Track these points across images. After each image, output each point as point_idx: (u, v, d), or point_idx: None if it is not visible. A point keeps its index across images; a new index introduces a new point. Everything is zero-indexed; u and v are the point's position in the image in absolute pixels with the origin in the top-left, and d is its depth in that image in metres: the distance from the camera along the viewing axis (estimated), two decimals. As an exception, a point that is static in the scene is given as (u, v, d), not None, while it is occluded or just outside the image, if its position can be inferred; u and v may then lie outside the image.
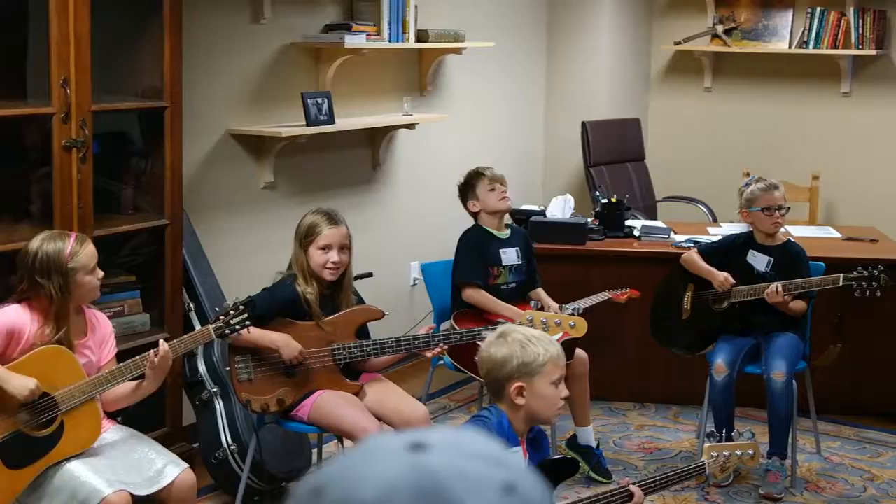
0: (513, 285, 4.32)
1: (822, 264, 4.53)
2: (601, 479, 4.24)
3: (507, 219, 4.54)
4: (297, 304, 3.60)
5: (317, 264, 3.60)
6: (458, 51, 5.60)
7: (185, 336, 3.31)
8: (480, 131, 6.22)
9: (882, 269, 4.12)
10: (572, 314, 4.06)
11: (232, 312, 3.29)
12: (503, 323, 3.67)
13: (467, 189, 4.36)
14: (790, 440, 4.27)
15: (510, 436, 2.66)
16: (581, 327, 3.81)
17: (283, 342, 3.51)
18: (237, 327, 3.30)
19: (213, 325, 3.28)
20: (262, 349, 3.54)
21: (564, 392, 2.70)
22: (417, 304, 5.55)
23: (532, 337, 2.68)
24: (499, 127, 6.41)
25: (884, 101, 6.53)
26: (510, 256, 4.32)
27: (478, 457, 0.83)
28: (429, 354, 3.76)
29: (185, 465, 3.21)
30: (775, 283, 4.19)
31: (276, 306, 3.58)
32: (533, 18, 6.62)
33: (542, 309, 4.16)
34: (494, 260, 4.29)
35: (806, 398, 4.50)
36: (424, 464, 0.81)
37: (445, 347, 3.73)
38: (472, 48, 5.68)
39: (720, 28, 6.80)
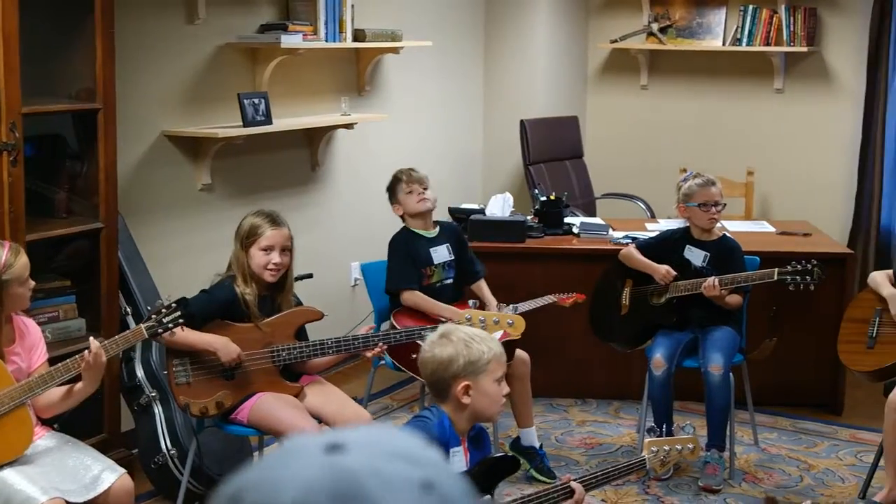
0: (448, 281, 4.34)
1: (758, 258, 4.60)
2: (545, 479, 4.25)
3: (437, 215, 4.55)
4: (236, 305, 3.58)
5: (258, 265, 3.58)
6: (395, 50, 5.60)
7: (117, 336, 3.26)
8: (419, 131, 6.23)
9: (815, 263, 4.19)
10: (512, 311, 4.07)
11: (164, 311, 3.25)
12: (444, 322, 3.69)
13: (390, 193, 4.38)
14: (728, 432, 4.33)
15: (452, 435, 2.66)
16: (519, 325, 3.83)
17: (220, 344, 3.49)
18: (170, 325, 3.26)
19: (146, 325, 3.24)
20: (199, 352, 3.51)
21: (506, 389, 2.72)
22: (359, 304, 5.53)
23: (475, 336, 2.69)
24: (437, 126, 6.41)
25: (815, 96, 6.64)
26: (441, 254, 4.35)
27: (396, 455, 0.83)
28: (369, 354, 3.75)
29: (123, 470, 3.17)
30: (712, 277, 4.24)
31: (213, 307, 3.55)
32: (470, 17, 6.63)
33: (481, 307, 4.18)
34: (426, 260, 4.31)
35: (743, 391, 4.57)
36: (341, 464, 0.81)
37: (385, 347, 3.73)
38: (409, 47, 5.68)
39: (655, 26, 6.87)
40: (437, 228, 4.40)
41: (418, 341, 2.90)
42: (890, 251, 6.43)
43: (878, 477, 4.12)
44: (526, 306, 4.30)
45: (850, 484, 4.30)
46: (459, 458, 2.67)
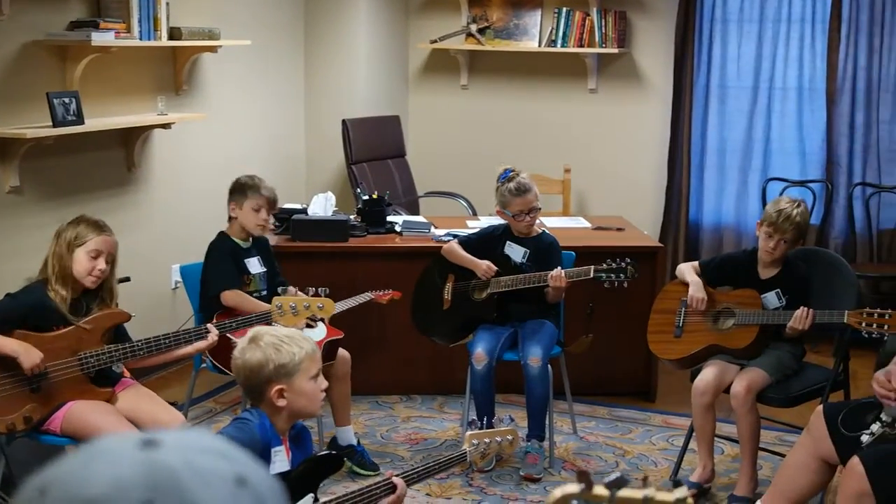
0: (264, 292, 4.34)
1: (573, 253, 4.74)
2: (368, 472, 4.28)
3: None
4: (45, 310, 3.47)
5: (83, 269, 3.49)
6: (213, 49, 5.51)
7: None
8: (240, 130, 6.16)
9: (629, 261, 4.34)
10: (322, 294, 4.06)
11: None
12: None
13: (237, 191, 4.31)
14: (547, 422, 4.45)
15: (273, 436, 2.65)
16: (329, 308, 3.82)
17: (22, 350, 3.36)
18: None
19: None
20: (1, 361, 3.38)
21: (324, 384, 2.71)
22: (180, 307, 5.43)
23: (284, 337, 2.66)
24: (259, 125, 6.35)
25: (627, 96, 6.90)
26: (255, 265, 4.37)
27: (209, 451, 0.84)
28: (203, 344, 3.69)
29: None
30: (558, 269, 4.34)
31: (20, 312, 3.43)
32: (290, 17, 6.60)
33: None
34: (243, 269, 4.30)
35: (562, 382, 4.71)
36: (157, 459, 0.81)
37: (216, 333, 3.69)
38: (228, 46, 5.60)
39: (474, 27, 6.99)
40: (250, 240, 4.39)
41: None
42: (698, 244, 6.75)
43: (687, 459, 4.32)
44: (343, 305, 4.32)
45: (663, 467, 4.50)
46: (281, 458, 2.66)
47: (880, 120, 6.37)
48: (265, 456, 2.61)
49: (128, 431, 3.24)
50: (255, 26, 6.13)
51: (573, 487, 1.11)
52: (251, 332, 2.70)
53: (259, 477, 0.85)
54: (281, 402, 2.62)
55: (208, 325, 3.75)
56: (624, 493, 1.10)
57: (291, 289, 4.43)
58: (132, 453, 0.82)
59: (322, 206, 5.29)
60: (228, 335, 3.82)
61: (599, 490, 1.11)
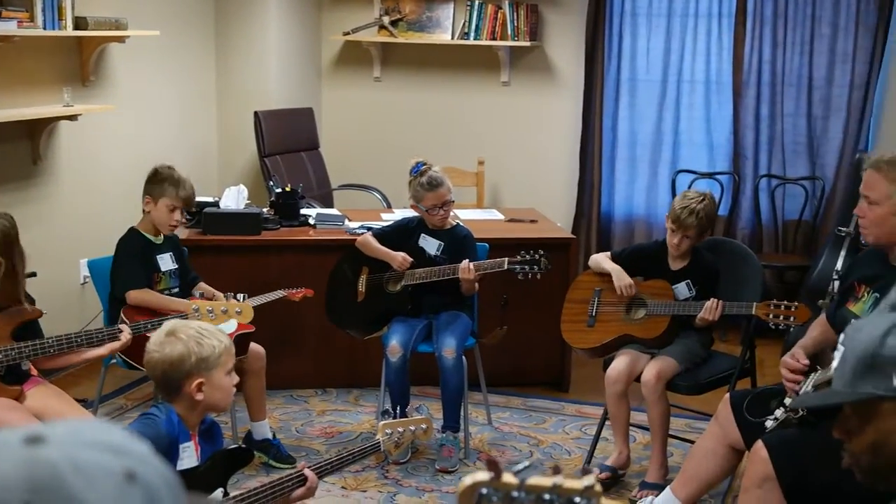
0: (175, 290, 4.28)
1: (487, 245, 4.77)
2: (284, 465, 4.26)
3: None
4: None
5: None
6: (120, 39, 5.41)
7: None
8: (150, 122, 6.06)
9: (542, 254, 4.38)
10: (241, 299, 4.02)
11: None
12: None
13: (154, 185, 4.21)
14: (462, 413, 4.48)
15: (181, 431, 2.62)
16: (247, 313, 3.79)
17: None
18: None
19: None
20: None
21: (235, 379, 2.71)
22: (89, 302, 5.32)
23: (203, 330, 2.65)
24: (170, 117, 6.26)
25: (539, 89, 6.95)
26: (166, 262, 4.31)
27: (98, 446, 0.82)
28: (117, 345, 3.62)
29: None
30: (466, 261, 4.36)
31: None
32: (200, 7, 6.51)
33: (208, 298, 4.16)
34: (154, 266, 4.24)
35: (477, 373, 4.74)
36: (40, 457, 0.79)
37: (131, 333, 3.63)
38: (136, 37, 5.50)
39: (386, 19, 6.98)
40: (162, 236, 4.32)
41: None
42: (610, 235, 6.84)
43: (600, 447, 4.39)
44: (255, 301, 4.29)
45: (576, 456, 4.55)
46: (190, 454, 2.64)
47: (785, 113, 6.52)
48: (172, 451, 2.58)
49: (14, 428, 3.17)
50: (164, 17, 6.03)
51: (483, 475, 1.12)
52: (167, 325, 2.67)
53: (152, 471, 0.84)
54: (199, 396, 2.60)
55: (121, 326, 3.68)
56: (533, 480, 1.11)
57: (204, 285, 4.39)
58: (15, 450, 0.80)
59: (234, 199, 5.24)
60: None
61: (508, 478, 1.12)
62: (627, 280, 4.20)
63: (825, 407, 1.94)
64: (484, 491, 1.12)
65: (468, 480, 1.11)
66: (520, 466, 1.14)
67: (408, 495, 4.12)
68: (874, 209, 3.18)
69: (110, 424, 0.87)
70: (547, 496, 1.12)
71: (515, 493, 1.12)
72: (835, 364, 1.88)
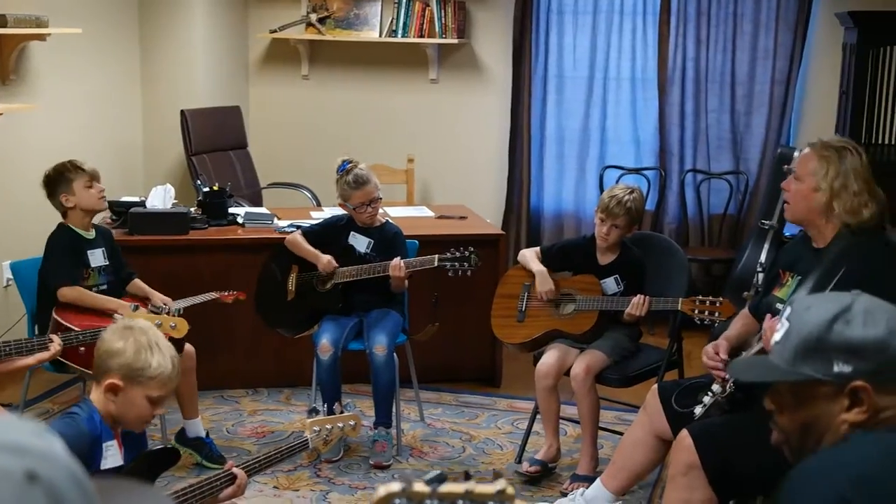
0: (104, 287, 4.23)
1: (416, 242, 4.78)
2: (215, 466, 4.22)
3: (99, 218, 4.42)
4: None
5: None
6: (42, 37, 5.30)
7: None
8: (74, 121, 5.95)
9: (472, 250, 4.40)
10: (175, 314, 4.00)
11: None
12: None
13: (59, 182, 4.17)
14: (395, 410, 4.48)
15: (104, 430, 2.58)
16: (182, 328, 3.77)
17: None
18: None
19: None
20: None
21: (159, 411, 2.65)
22: (12, 306, 5.22)
23: (154, 345, 2.58)
24: (94, 116, 6.16)
25: (468, 86, 6.98)
26: (97, 258, 4.25)
27: None
28: (46, 356, 3.56)
29: None
30: (397, 258, 4.36)
31: None
32: (123, 4, 6.41)
33: (144, 299, 4.13)
34: (84, 262, 4.18)
35: (408, 370, 4.74)
36: None
37: (59, 347, 3.57)
38: (58, 34, 5.40)
39: (314, 17, 6.95)
40: (94, 231, 4.26)
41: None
42: (539, 231, 6.89)
43: (531, 442, 4.42)
44: (186, 302, 4.26)
45: (508, 450, 4.58)
46: (113, 453, 2.60)
47: (709, 109, 6.63)
48: (95, 450, 2.54)
49: None
50: (86, 14, 5.94)
51: (395, 486, 1.13)
52: (134, 321, 2.64)
53: (56, 470, 0.82)
54: (109, 397, 2.57)
55: (52, 336, 3.62)
56: (445, 487, 1.13)
57: (139, 282, 4.34)
58: None
59: (161, 198, 5.18)
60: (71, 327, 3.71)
61: (420, 487, 1.13)
62: (549, 286, 4.25)
63: (760, 383, 1.95)
64: (397, 502, 1.13)
65: (381, 492, 1.13)
66: (430, 475, 1.16)
67: (340, 493, 4.12)
68: (798, 185, 3.23)
69: (17, 420, 0.86)
70: (460, 502, 1.14)
71: (429, 502, 1.13)
72: (777, 337, 1.88)
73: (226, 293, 4.51)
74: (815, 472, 1.72)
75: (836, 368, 1.78)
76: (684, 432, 3.05)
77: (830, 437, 1.80)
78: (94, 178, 4.18)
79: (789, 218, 3.34)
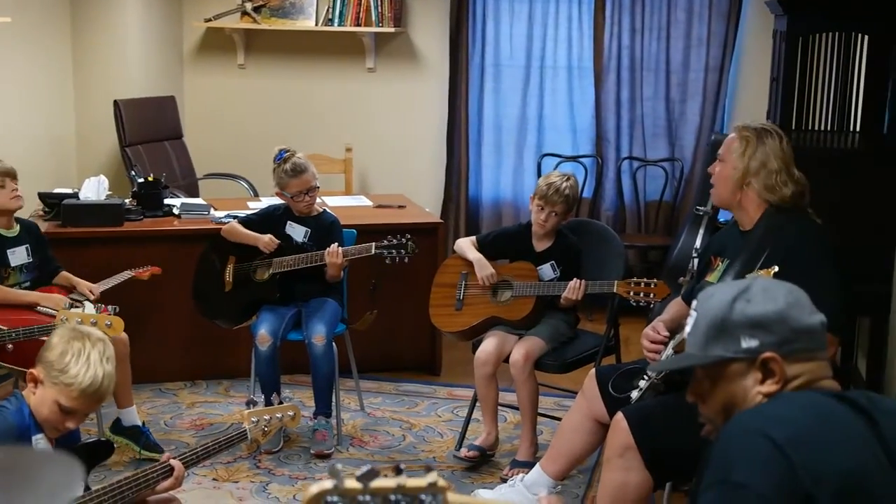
0: (27, 284, 4.17)
1: (355, 231, 4.77)
2: (153, 455, 4.18)
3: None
4: None
5: None
6: (-31, 26, 5.21)
7: None
8: (4, 113, 5.84)
9: (409, 237, 4.41)
10: (112, 312, 3.94)
11: None
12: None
13: None
14: (334, 399, 4.47)
15: (32, 423, 2.55)
16: (118, 326, 3.70)
17: None
18: None
19: None
20: None
21: (69, 426, 2.59)
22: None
23: (86, 356, 2.53)
24: (25, 107, 6.05)
25: (405, 75, 6.97)
26: (19, 256, 4.19)
27: None
28: None
29: None
30: (335, 245, 4.35)
31: None
32: (54, -7, 6.31)
33: (73, 289, 4.16)
34: (3, 261, 4.11)
35: (348, 359, 4.74)
36: None
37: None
38: (-14, 24, 5.31)
39: (249, 5, 6.89)
40: (18, 227, 4.19)
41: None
42: (478, 219, 6.91)
43: (472, 429, 4.44)
44: (103, 285, 4.25)
45: (448, 438, 4.60)
46: (43, 446, 2.56)
47: (644, 97, 6.69)
48: (23, 443, 2.51)
49: None
50: (15, 3, 5.82)
51: (327, 484, 1.13)
52: (90, 330, 2.61)
53: None
54: (31, 389, 2.56)
55: None
56: (376, 483, 1.13)
57: (66, 274, 4.30)
58: None
59: (94, 189, 5.10)
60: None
61: (352, 483, 1.13)
62: (489, 270, 4.27)
63: (679, 371, 2.05)
64: (329, 499, 1.13)
65: (314, 489, 1.13)
66: (362, 471, 1.16)
67: (280, 484, 4.10)
68: (721, 166, 3.29)
69: None
70: (393, 497, 1.14)
71: (361, 498, 1.13)
72: (688, 329, 1.96)
73: (141, 269, 4.53)
74: (741, 423, 1.80)
75: (743, 344, 1.88)
76: (619, 415, 3.09)
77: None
78: (6, 176, 4.11)
79: (715, 201, 3.39)
